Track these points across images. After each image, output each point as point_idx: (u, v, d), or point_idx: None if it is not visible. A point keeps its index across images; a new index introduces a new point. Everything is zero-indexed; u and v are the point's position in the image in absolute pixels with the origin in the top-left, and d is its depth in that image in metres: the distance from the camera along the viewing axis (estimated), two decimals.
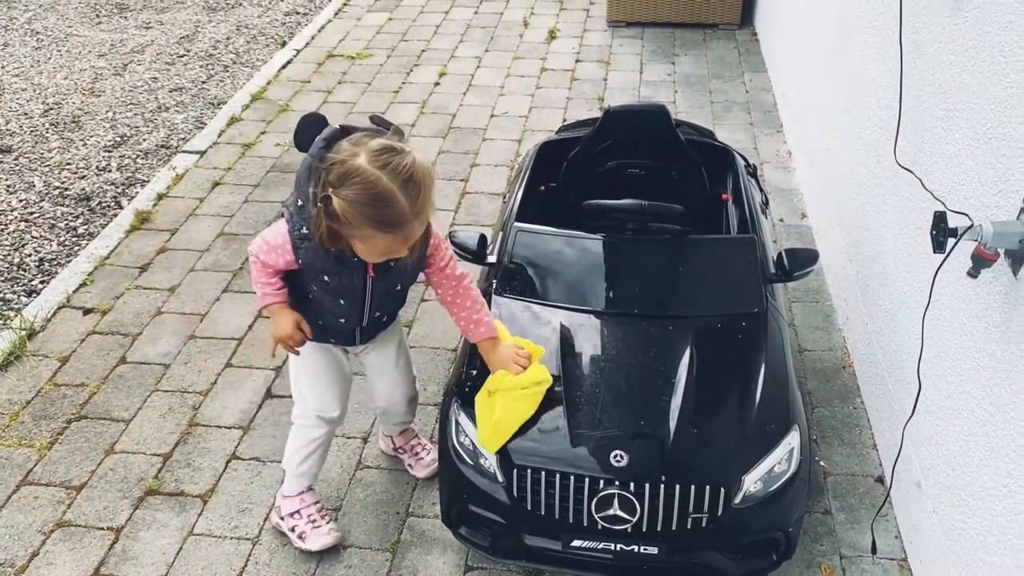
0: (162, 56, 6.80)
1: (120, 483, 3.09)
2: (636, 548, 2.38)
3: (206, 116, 5.83)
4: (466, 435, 2.51)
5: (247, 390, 3.48)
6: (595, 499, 2.35)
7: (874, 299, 3.18)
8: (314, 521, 2.78)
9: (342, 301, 2.42)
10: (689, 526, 2.34)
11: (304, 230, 2.24)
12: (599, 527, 2.37)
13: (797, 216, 4.46)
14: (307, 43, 6.77)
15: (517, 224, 2.93)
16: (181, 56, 6.82)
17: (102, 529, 2.93)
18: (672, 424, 2.39)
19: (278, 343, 2.46)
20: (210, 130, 5.49)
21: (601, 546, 2.41)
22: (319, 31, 7.00)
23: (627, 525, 2.35)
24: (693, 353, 2.57)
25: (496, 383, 2.46)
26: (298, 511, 2.79)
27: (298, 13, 7.69)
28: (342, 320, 2.49)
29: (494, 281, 2.88)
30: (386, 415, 2.98)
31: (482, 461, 2.47)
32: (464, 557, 2.79)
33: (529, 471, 2.39)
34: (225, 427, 3.31)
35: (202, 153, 5.23)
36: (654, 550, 2.39)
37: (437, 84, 6.03)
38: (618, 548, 2.40)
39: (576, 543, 2.42)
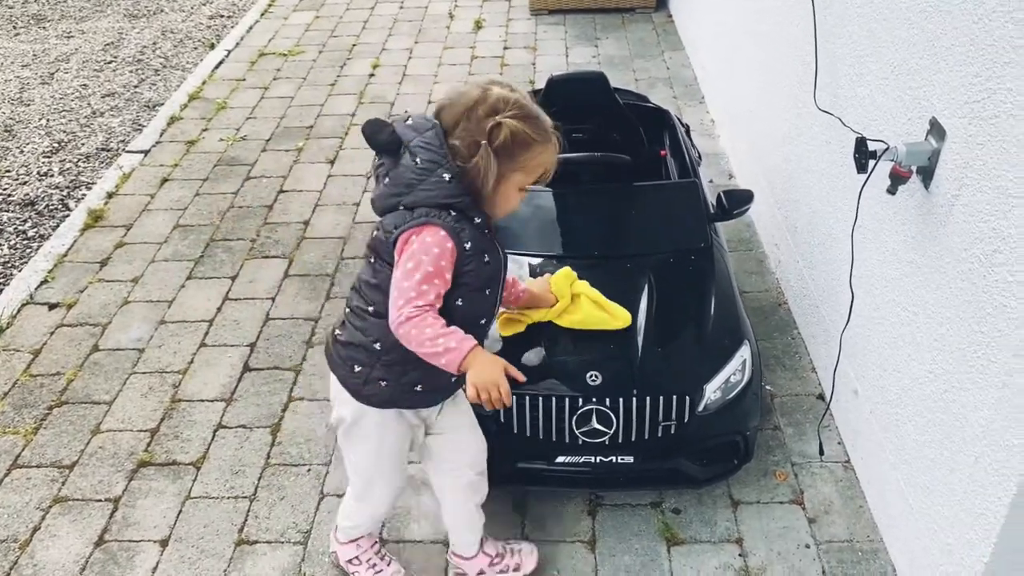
0: (89, 63, 6.79)
1: (111, 459, 3.20)
2: (613, 459, 2.64)
3: (143, 118, 5.88)
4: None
5: (224, 366, 3.61)
6: (575, 416, 2.59)
7: (803, 237, 3.51)
8: (375, 566, 2.63)
9: (488, 291, 2.11)
10: (659, 434, 2.61)
11: (454, 212, 1.97)
12: (580, 442, 2.62)
13: (725, 177, 4.79)
14: (237, 43, 6.86)
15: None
16: (109, 63, 6.82)
17: (100, 501, 3.04)
18: (639, 345, 2.66)
19: (485, 395, 1.97)
20: (151, 130, 5.55)
21: (582, 460, 2.66)
22: (248, 31, 7.09)
23: (604, 437, 2.61)
24: (651, 285, 2.85)
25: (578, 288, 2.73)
26: (356, 557, 2.63)
27: (222, 16, 7.75)
28: (483, 322, 2.15)
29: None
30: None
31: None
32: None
33: (515, 398, 2.61)
34: (208, 400, 3.44)
35: (146, 152, 5.29)
36: (630, 459, 2.65)
37: (372, 76, 6.20)
38: (597, 460, 2.65)
39: (560, 459, 2.66)
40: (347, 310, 2.20)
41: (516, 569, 2.66)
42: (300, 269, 4.19)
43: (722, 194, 3.14)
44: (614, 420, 2.58)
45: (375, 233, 2.06)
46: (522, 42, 6.67)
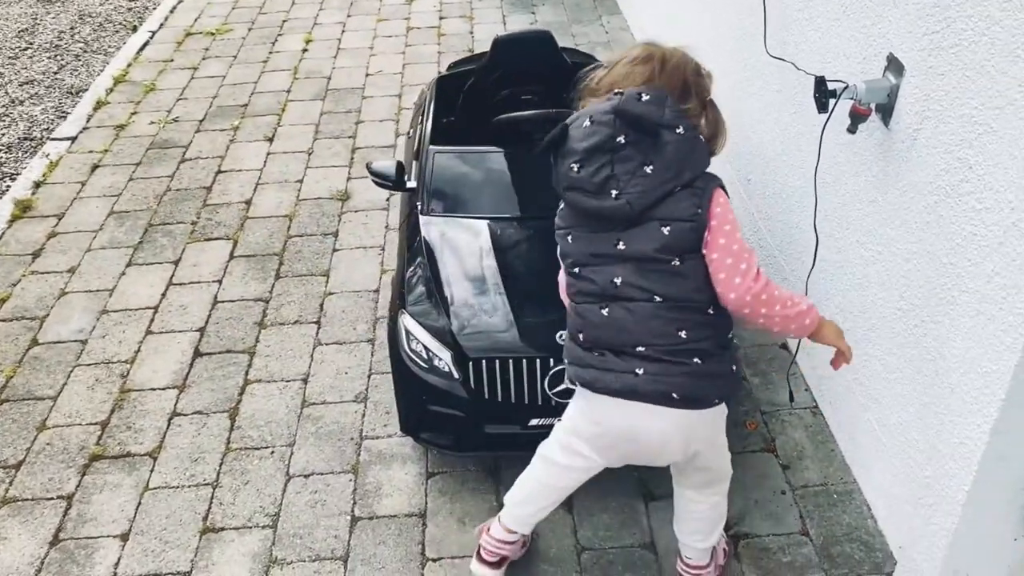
0: (3, 51, 6.45)
1: (60, 455, 3.04)
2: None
3: (66, 105, 5.61)
4: (417, 341, 2.65)
5: (174, 352, 3.47)
6: (547, 377, 2.54)
7: (757, 189, 3.51)
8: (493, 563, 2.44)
9: None
10: None
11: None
12: (553, 403, 2.57)
13: None
14: (161, 24, 6.59)
15: (432, 147, 3.06)
16: (24, 49, 6.49)
17: (52, 499, 2.89)
18: None
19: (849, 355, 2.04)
20: (77, 116, 5.30)
21: (556, 421, 2.59)
22: (171, 12, 6.82)
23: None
24: None
25: None
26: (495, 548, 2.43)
27: None
28: None
29: (418, 204, 3.00)
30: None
31: (437, 363, 2.61)
32: (424, 465, 2.93)
33: (484, 362, 2.55)
34: (159, 389, 3.30)
35: (73, 139, 5.05)
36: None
37: (305, 51, 6.02)
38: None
39: (534, 422, 2.61)
40: (684, 346, 1.87)
41: None
42: (246, 250, 4.04)
43: None
44: None
45: (665, 232, 1.81)
46: (457, 11, 6.54)
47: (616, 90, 1.89)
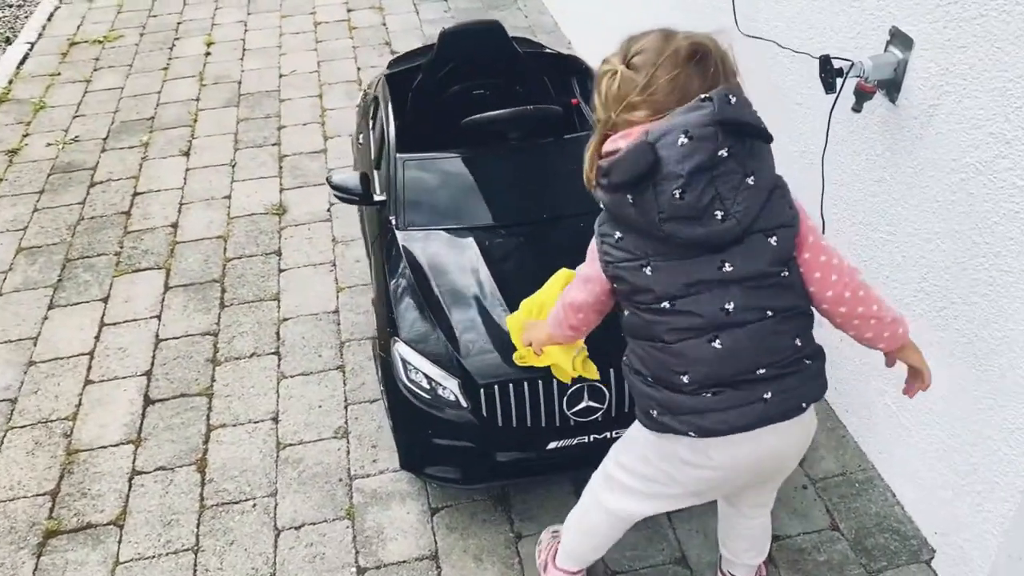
0: None
1: (8, 535, 2.69)
2: (608, 435, 2.43)
3: None
4: (416, 370, 2.43)
5: (121, 402, 3.12)
6: (566, 396, 2.36)
7: None
8: None
9: None
10: None
11: None
12: (571, 423, 2.40)
13: None
14: (39, 34, 6.02)
15: (400, 155, 2.82)
16: None
17: None
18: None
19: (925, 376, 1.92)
20: None
21: (576, 442, 2.43)
22: (48, 20, 6.24)
23: (598, 414, 2.39)
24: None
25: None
26: None
27: (11, 6, 6.80)
28: None
29: (392, 218, 2.76)
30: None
31: (441, 392, 2.40)
32: (425, 501, 2.72)
33: (497, 387, 2.35)
34: (111, 446, 2.96)
35: None
36: (624, 430, 2.45)
37: (208, 54, 5.61)
38: (591, 439, 2.43)
39: (552, 445, 2.43)
40: (799, 354, 1.73)
41: None
42: (181, 279, 3.69)
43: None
44: (607, 393, 2.37)
45: (773, 243, 1.63)
46: (366, 3, 6.22)
47: (702, 95, 1.59)
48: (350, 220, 3.97)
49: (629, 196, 1.63)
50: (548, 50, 3.61)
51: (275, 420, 3.02)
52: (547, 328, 2.08)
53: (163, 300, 3.58)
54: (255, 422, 3.02)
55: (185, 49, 5.69)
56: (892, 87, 2.31)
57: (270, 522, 2.68)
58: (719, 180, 1.57)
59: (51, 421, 3.06)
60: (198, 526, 2.68)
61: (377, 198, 2.84)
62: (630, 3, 4.24)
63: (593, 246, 1.83)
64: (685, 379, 1.72)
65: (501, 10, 6.00)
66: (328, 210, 4.06)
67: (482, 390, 2.36)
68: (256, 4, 6.29)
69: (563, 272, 2.23)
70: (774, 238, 1.63)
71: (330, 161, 4.43)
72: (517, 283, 2.55)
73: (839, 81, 2.30)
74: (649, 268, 1.68)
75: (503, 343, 2.42)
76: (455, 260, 2.62)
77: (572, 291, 1.94)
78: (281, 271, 3.70)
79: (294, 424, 3.00)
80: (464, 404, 2.38)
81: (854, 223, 2.60)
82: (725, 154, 1.56)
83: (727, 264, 1.63)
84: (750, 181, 1.59)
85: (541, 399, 2.36)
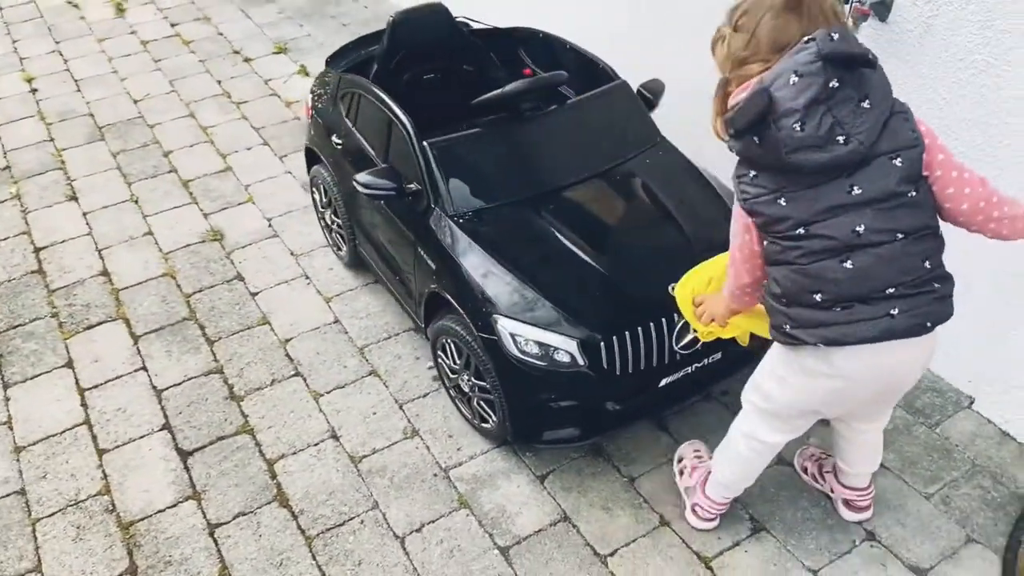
0: None
1: None
2: (706, 361, 2.62)
3: None
4: (527, 340, 2.47)
5: (153, 462, 2.86)
6: (675, 332, 2.51)
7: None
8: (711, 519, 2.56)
9: None
10: None
11: None
12: (678, 358, 2.55)
13: None
14: None
15: (427, 142, 2.79)
16: None
17: None
18: (691, 242, 2.62)
19: None
20: None
21: (682, 374, 2.60)
22: None
23: (700, 343, 2.57)
24: (651, 187, 2.81)
25: None
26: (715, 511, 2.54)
27: None
28: None
29: (435, 209, 2.74)
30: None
31: (558, 356, 2.46)
32: (529, 471, 2.76)
33: (615, 339, 2.45)
34: (169, 507, 2.72)
35: None
36: (718, 355, 2.65)
37: (35, 91, 5.04)
38: (693, 369, 2.61)
39: (665, 381, 2.58)
40: (929, 275, 1.86)
41: None
42: (147, 325, 3.39)
43: (641, 88, 3.13)
44: None
45: (898, 164, 1.77)
46: (189, 15, 5.85)
47: (806, 38, 1.75)
48: (298, 230, 3.83)
49: (756, 138, 1.79)
50: (490, 26, 3.66)
51: (335, 437, 2.91)
52: (725, 300, 2.19)
53: (139, 350, 3.28)
54: (315, 444, 2.89)
55: (3, 88, 5.06)
56: (884, 6, 2.65)
57: (388, 532, 2.61)
58: (835, 108, 1.73)
59: (82, 501, 2.74)
60: (314, 557, 2.55)
61: (411, 188, 2.80)
62: None
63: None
64: (818, 297, 1.88)
65: (339, 4, 5.89)
66: (270, 225, 3.88)
67: (602, 344, 2.45)
68: (60, 31, 5.71)
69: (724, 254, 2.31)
70: (899, 159, 1.77)
71: (242, 176, 4.20)
72: (594, 238, 2.66)
73: (847, 8, 2.62)
74: (783, 199, 1.83)
75: (606, 297, 2.52)
76: (521, 230, 2.67)
77: (734, 253, 2.06)
78: (254, 295, 3.51)
79: (357, 436, 2.91)
80: (581, 362, 2.46)
81: None
82: (836, 84, 1.72)
83: (856, 187, 1.78)
84: (865, 105, 1.74)
85: (654, 342, 2.49)
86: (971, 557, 2.46)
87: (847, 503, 2.56)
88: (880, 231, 1.81)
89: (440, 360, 2.90)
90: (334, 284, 3.55)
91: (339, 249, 3.59)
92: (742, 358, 2.74)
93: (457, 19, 3.49)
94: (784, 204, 1.84)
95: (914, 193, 1.81)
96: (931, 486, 2.65)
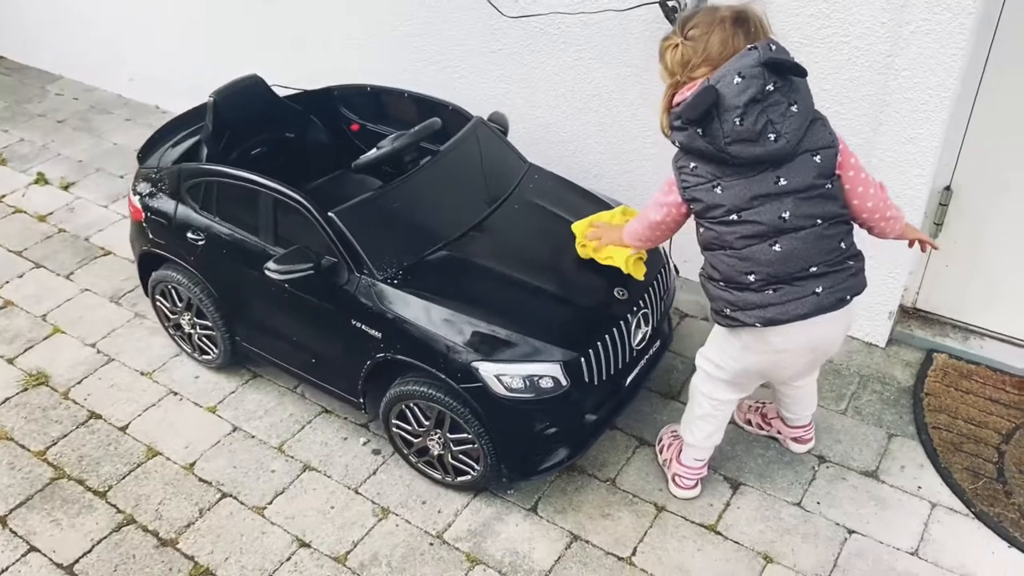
0: None
1: None
2: (652, 350, 2.83)
3: None
4: (512, 377, 2.49)
5: None
6: (631, 330, 2.68)
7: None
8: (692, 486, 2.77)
9: None
10: (663, 308, 2.88)
11: None
12: (634, 353, 2.73)
13: None
14: None
15: (331, 213, 2.67)
16: None
17: None
18: None
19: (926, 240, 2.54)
20: None
21: (639, 367, 2.78)
22: None
23: (647, 336, 2.76)
24: (547, 207, 2.96)
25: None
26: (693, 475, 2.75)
27: None
28: None
29: (361, 277, 2.64)
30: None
31: (543, 384, 2.51)
32: (517, 508, 2.77)
33: (591, 352, 2.56)
34: None
35: None
36: (658, 342, 2.88)
37: None
38: (644, 361, 2.81)
39: (628, 380, 2.74)
40: (844, 255, 2.19)
41: None
42: (7, 501, 2.85)
43: (493, 119, 3.23)
44: (650, 312, 2.75)
45: (817, 161, 2.08)
46: None
47: (748, 46, 2.03)
48: (135, 347, 3.43)
49: (699, 130, 2.07)
50: (301, 89, 3.54)
51: (306, 545, 2.69)
52: (621, 235, 2.55)
53: (13, 531, 2.75)
54: (287, 559, 2.65)
55: None
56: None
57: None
58: (769, 109, 2.02)
59: None
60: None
61: (326, 261, 2.67)
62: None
63: (670, 178, 2.24)
64: (751, 278, 2.18)
65: (41, 101, 5.28)
66: (98, 351, 3.42)
67: (582, 360, 2.54)
68: None
69: (620, 208, 2.74)
70: (818, 157, 2.09)
71: (31, 308, 3.65)
72: (524, 264, 2.75)
73: (675, 17, 2.96)
74: (719, 188, 2.12)
75: (565, 314, 2.64)
76: (458, 274, 2.68)
77: (650, 212, 2.35)
78: (123, 429, 3.09)
79: (328, 535, 2.71)
80: (565, 383, 2.53)
81: None
82: (771, 88, 2.01)
83: (782, 179, 2.09)
84: (794, 109, 2.04)
85: (619, 343, 2.64)
86: (900, 448, 2.91)
87: (796, 439, 2.90)
88: (802, 216, 2.12)
89: (395, 429, 2.80)
90: (210, 392, 3.24)
91: (204, 354, 3.28)
92: (664, 346, 3.00)
93: (272, 87, 3.36)
94: (720, 192, 2.13)
95: (829, 186, 2.14)
96: (840, 403, 3.09)
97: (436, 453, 2.75)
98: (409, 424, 2.75)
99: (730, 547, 2.64)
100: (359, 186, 3.45)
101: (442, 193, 2.89)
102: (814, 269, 2.16)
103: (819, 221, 2.13)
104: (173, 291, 3.18)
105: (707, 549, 2.63)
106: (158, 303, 3.30)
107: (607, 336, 2.61)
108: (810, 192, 2.10)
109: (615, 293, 2.67)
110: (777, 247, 2.12)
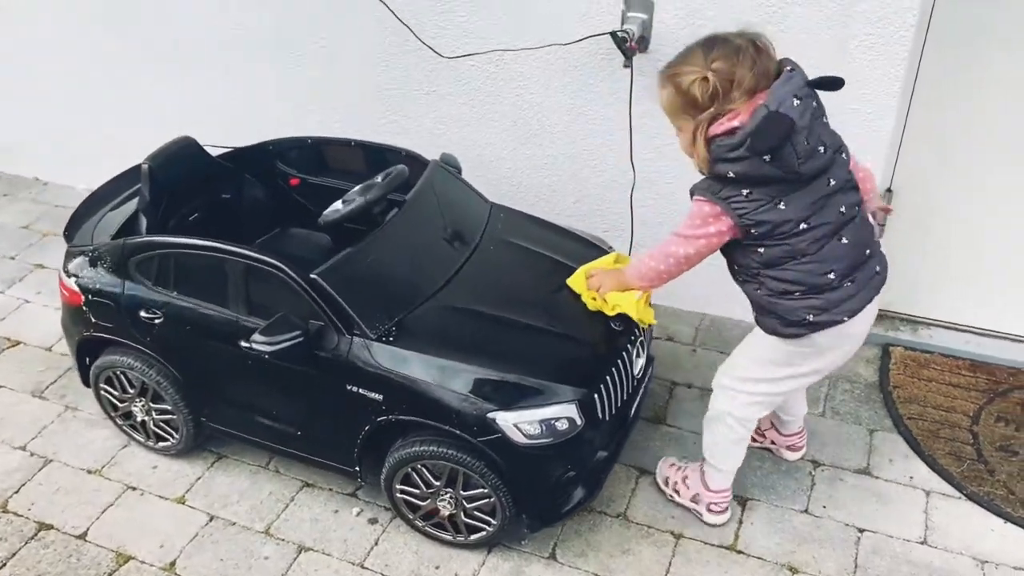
0: None
1: None
2: (642, 373, 2.81)
3: None
4: (530, 423, 2.41)
5: None
6: (632, 359, 2.66)
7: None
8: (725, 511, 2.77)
9: None
10: (650, 333, 2.89)
11: None
12: (635, 382, 2.71)
13: None
14: None
15: (314, 275, 2.51)
16: None
17: None
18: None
19: None
20: None
21: (637, 396, 2.78)
22: None
23: (642, 360, 2.76)
24: (521, 244, 2.91)
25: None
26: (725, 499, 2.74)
27: None
28: None
29: (353, 338, 2.50)
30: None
31: (560, 426, 2.44)
32: (536, 555, 2.69)
33: (602, 387, 2.52)
34: None
35: None
36: (649, 369, 2.89)
37: None
38: (642, 389, 2.81)
39: (632, 411, 2.72)
40: (873, 235, 2.32)
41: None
42: None
43: (444, 161, 3.14)
44: (642, 340, 2.75)
45: (844, 158, 2.21)
46: None
47: (788, 68, 2.09)
48: (75, 443, 3.12)
49: (767, 157, 2.08)
50: (232, 148, 3.33)
51: None
52: (624, 277, 2.50)
53: None
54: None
55: None
56: (643, 41, 3.08)
57: None
58: (815, 123, 2.12)
59: None
60: None
61: (313, 324, 2.51)
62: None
63: (700, 210, 2.22)
64: (832, 276, 2.24)
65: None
66: (31, 453, 3.08)
67: (596, 396, 2.50)
68: None
69: (613, 255, 2.69)
70: (844, 154, 2.25)
71: None
72: (516, 305, 2.68)
73: (626, 47, 3.00)
74: (782, 204, 2.15)
75: (568, 351, 2.60)
76: (454, 323, 2.59)
77: (677, 249, 2.30)
78: (82, 537, 2.78)
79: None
80: (580, 422, 2.47)
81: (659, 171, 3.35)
82: (815, 104, 2.13)
83: (831, 180, 2.19)
84: (825, 120, 2.18)
85: (623, 374, 2.61)
86: (883, 442, 3.02)
87: (790, 447, 2.96)
88: (851, 206, 2.24)
89: (400, 495, 2.65)
90: (174, 481, 2.97)
91: (161, 440, 3.01)
92: (652, 372, 3.00)
93: (205, 147, 3.15)
94: (784, 207, 2.15)
95: (853, 177, 2.28)
96: (817, 406, 3.17)
97: (447, 513, 2.62)
98: (417, 487, 2.61)
99: (755, 564, 2.64)
100: (302, 244, 3.31)
101: (418, 242, 2.79)
102: (868, 251, 2.30)
103: (857, 208, 2.26)
104: (122, 376, 2.91)
105: (734, 571, 2.63)
106: (103, 392, 3.01)
107: (614, 369, 2.57)
108: (847, 185, 2.23)
109: (612, 325, 2.65)
110: (844, 240, 2.22)
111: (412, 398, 2.47)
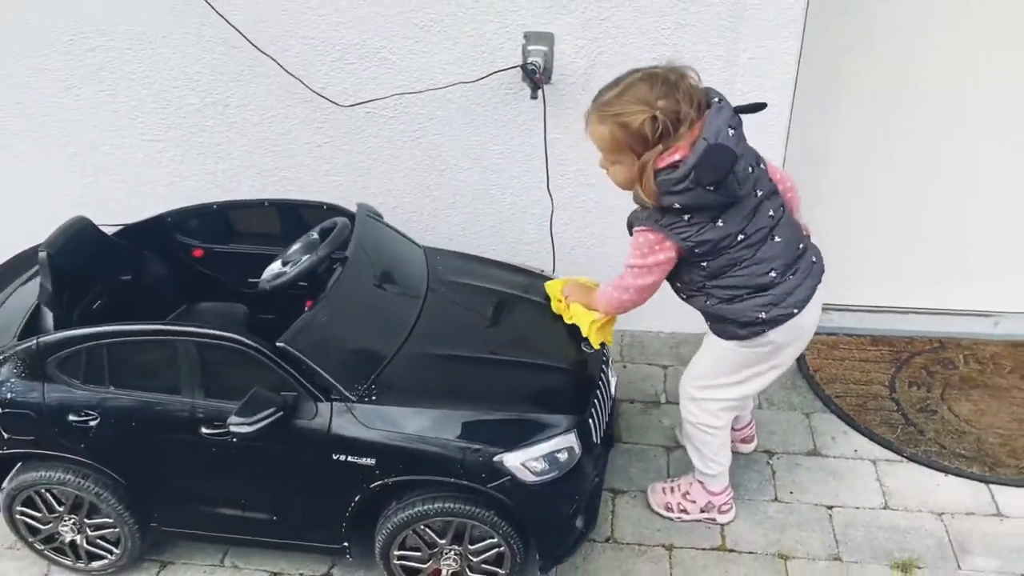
0: None
1: None
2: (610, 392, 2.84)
3: None
4: (536, 460, 2.36)
5: None
6: (607, 378, 2.69)
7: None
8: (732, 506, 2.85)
9: None
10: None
11: None
12: (611, 400, 2.75)
13: None
14: None
15: (280, 343, 2.32)
16: None
17: None
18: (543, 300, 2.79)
19: None
20: None
21: (613, 413, 2.81)
22: None
23: (615, 378, 2.80)
24: (470, 282, 2.87)
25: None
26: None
27: None
28: None
29: (332, 403, 2.35)
30: None
31: (560, 457, 2.41)
32: None
33: (591, 411, 2.51)
34: None
35: None
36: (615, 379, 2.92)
37: None
38: (610, 404, 2.81)
39: (610, 429, 2.75)
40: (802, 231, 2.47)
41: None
42: None
43: (364, 213, 3.03)
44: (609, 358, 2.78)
45: (763, 168, 2.32)
46: None
47: (714, 99, 2.19)
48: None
49: (711, 187, 2.18)
50: (124, 224, 3.01)
51: None
52: (593, 301, 2.57)
53: None
54: None
55: None
56: (547, 72, 3.14)
57: None
58: (745, 147, 2.26)
59: None
60: None
61: (286, 393, 2.32)
62: None
63: (646, 239, 2.31)
64: (773, 274, 2.36)
65: None
66: None
67: (590, 421, 2.49)
68: None
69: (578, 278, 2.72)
70: (762, 165, 2.37)
71: None
72: (486, 343, 2.66)
73: (536, 78, 3.04)
74: (720, 221, 2.27)
75: (554, 380, 2.58)
76: (431, 371, 2.51)
77: (636, 280, 2.39)
78: None
79: None
80: (578, 450, 2.45)
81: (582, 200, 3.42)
82: (743, 131, 2.26)
83: (758, 191, 2.33)
84: (748, 142, 2.30)
85: (605, 396, 2.63)
86: (821, 423, 3.23)
87: (744, 440, 3.08)
88: (778, 208, 2.39)
89: (397, 562, 2.50)
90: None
91: (97, 559, 2.66)
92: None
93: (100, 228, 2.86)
94: (723, 224, 2.27)
95: (775, 185, 2.42)
96: (751, 399, 3.33)
97: (452, 572, 2.50)
98: (418, 549, 2.47)
99: (749, 559, 2.72)
100: (217, 319, 3.08)
101: (371, 295, 2.68)
102: (801, 246, 2.43)
103: (783, 209, 2.39)
104: (47, 495, 2.54)
105: (732, 570, 2.69)
106: (16, 517, 2.61)
107: (598, 391, 2.58)
108: (772, 191, 2.36)
109: (583, 347, 2.65)
110: (777, 238, 2.34)
111: (408, 456, 2.35)
